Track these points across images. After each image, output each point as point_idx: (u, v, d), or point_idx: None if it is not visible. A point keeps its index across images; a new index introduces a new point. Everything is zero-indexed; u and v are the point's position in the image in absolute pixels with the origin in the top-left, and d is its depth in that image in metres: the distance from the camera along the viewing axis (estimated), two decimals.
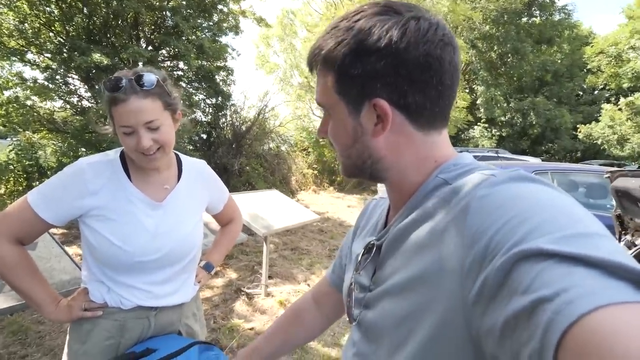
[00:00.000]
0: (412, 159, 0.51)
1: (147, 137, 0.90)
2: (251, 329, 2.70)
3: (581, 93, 20.68)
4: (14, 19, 5.15)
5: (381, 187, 8.80)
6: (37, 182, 5.52)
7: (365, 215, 0.73)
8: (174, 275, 1.06)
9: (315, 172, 10.70)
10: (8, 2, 4.91)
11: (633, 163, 15.78)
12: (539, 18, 18.90)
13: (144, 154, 0.92)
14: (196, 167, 1.16)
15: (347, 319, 0.62)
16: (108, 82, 0.88)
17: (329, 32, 0.50)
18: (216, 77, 7.13)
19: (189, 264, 1.10)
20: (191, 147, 7.23)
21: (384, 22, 0.45)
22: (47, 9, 5.52)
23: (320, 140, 10.78)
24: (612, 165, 12.20)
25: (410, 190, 0.52)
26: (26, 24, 5.35)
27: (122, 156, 1.01)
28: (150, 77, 0.90)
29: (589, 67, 19.32)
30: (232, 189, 6.76)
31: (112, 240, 0.94)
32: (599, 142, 17.53)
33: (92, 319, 0.98)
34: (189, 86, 7.18)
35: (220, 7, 6.94)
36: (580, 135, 18.09)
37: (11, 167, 5.53)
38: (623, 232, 3.05)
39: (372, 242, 0.57)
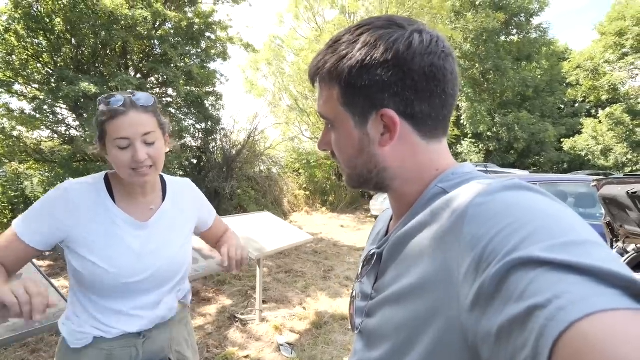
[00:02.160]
0: (416, 167, 0.52)
1: (143, 150, 0.92)
2: (246, 356, 2.61)
3: (562, 106, 21.35)
4: (2, 52, 5.17)
5: (373, 206, 8.78)
6: None
7: (375, 227, 0.74)
8: (163, 297, 1.04)
9: (307, 193, 10.68)
10: None
11: (619, 172, 16.14)
12: (516, 36, 19.70)
13: (136, 169, 0.92)
14: (180, 186, 1.16)
15: (350, 328, 0.62)
16: (107, 98, 0.92)
17: (331, 46, 0.52)
18: (205, 102, 7.19)
19: (178, 284, 1.08)
20: (181, 173, 7.18)
21: (390, 35, 0.48)
22: (35, 40, 5.56)
23: (312, 161, 10.84)
24: (598, 174, 12.47)
25: (411, 199, 0.53)
26: (14, 56, 5.36)
27: (107, 179, 1.01)
28: (148, 95, 0.97)
29: (568, 81, 20.07)
30: (224, 212, 6.68)
31: (95, 262, 0.92)
32: (584, 153, 17.99)
33: (79, 349, 0.94)
34: (178, 112, 7.21)
35: (208, 34, 7.09)
36: (565, 148, 18.56)
37: None
38: (614, 239, 3.07)
39: (373, 250, 0.57)
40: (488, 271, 0.33)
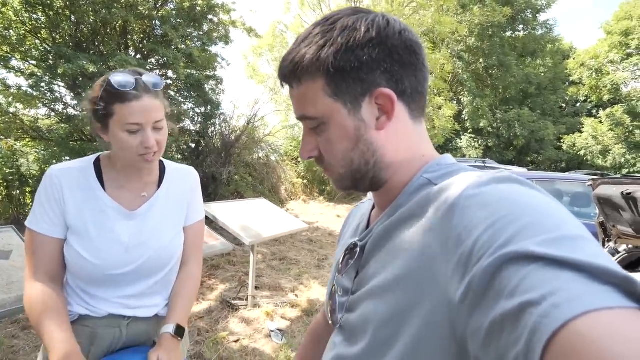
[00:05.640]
0: (408, 152, 0.52)
1: (152, 137, 0.90)
2: (236, 341, 2.64)
3: (564, 105, 21.27)
4: None
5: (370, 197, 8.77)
6: (18, 191, 5.37)
7: (347, 222, 0.72)
8: (151, 289, 1.01)
9: (305, 181, 10.67)
10: None
11: (616, 173, 16.20)
12: (522, 32, 19.50)
13: (142, 155, 0.90)
14: (181, 173, 1.11)
15: (330, 322, 0.60)
16: (116, 77, 0.86)
17: (303, 41, 0.50)
18: (205, 86, 7.09)
19: (167, 275, 1.05)
20: (180, 156, 7.14)
21: (365, 17, 0.48)
22: (34, 16, 5.45)
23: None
24: (595, 175, 12.51)
25: (396, 190, 0.52)
26: (11, 31, 5.26)
27: (97, 163, 0.98)
28: (158, 78, 0.93)
29: (571, 79, 19.94)
30: (220, 197, 6.68)
31: (81, 252, 0.91)
32: (582, 152, 17.99)
33: None
34: (177, 95, 7.13)
35: (210, 17, 6.96)
36: (564, 146, 18.54)
37: None
38: (606, 239, 3.10)
39: (355, 242, 0.55)
40: (479, 265, 0.33)
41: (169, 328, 0.96)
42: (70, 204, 0.92)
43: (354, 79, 0.48)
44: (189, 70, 6.52)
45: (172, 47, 6.14)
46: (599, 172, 15.03)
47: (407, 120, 0.51)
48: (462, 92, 18.35)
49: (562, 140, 18.81)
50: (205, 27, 6.99)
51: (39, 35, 5.65)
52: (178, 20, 6.38)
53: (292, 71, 0.50)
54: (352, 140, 0.50)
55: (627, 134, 17.02)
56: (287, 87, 0.54)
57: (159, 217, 1.02)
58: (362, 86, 0.48)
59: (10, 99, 5.34)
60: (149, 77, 0.90)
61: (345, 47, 0.46)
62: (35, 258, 0.90)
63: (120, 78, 0.86)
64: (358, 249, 0.54)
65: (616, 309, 0.26)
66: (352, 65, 0.47)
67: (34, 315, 0.86)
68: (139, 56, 6.50)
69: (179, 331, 0.97)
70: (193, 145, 7.70)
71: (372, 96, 0.48)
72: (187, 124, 7.47)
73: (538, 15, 19.25)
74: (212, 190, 6.94)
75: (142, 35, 6.74)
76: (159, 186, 1.04)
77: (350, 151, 0.51)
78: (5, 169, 5.32)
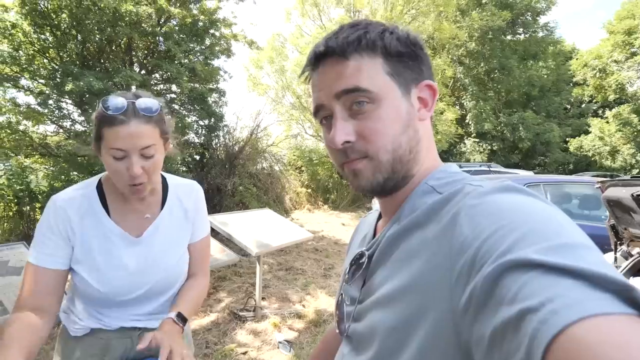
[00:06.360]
0: (430, 151, 0.55)
1: (138, 164, 0.85)
2: (244, 353, 2.61)
3: (569, 107, 21.15)
4: (9, 47, 5.20)
5: (375, 205, 8.74)
6: (28, 207, 5.44)
7: (356, 232, 0.73)
8: (161, 306, 1.03)
9: (309, 190, 10.67)
10: (3, 31, 4.97)
11: (626, 174, 15.98)
12: (522, 35, 19.52)
13: (132, 185, 0.87)
14: (184, 189, 1.08)
15: (338, 332, 0.60)
16: (108, 101, 0.83)
17: (352, 27, 0.51)
18: (208, 99, 7.18)
19: (174, 293, 1.07)
20: (184, 169, 7.21)
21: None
22: (42, 36, 5.59)
23: (314, 158, 10.83)
24: (604, 176, 12.34)
25: (401, 197, 0.53)
26: (20, 51, 5.40)
27: (99, 186, 0.96)
28: (153, 102, 0.88)
29: (575, 79, 19.85)
30: (225, 209, 6.70)
31: (89, 281, 0.90)
32: (590, 154, 17.80)
33: (79, 337, 0.96)
34: (181, 108, 7.22)
35: (212, 31, 7.09)
36: (571, 148, 18.37)
37: (2, 192, 5.46)
38: (618, 242, 3.03)
39: (362, 251, 0.56)
40: (481, 273, 0.33)
41: (171, 314, 0.92)
42: (78, 234, 0.90)
43: (410, 66, 0.52)
44: (192, 84, 6.63)
45: (176, 61, 6.25)
46: (608, 173, 14.84)
47: (429, 120, 0.56)
48: (465, 97, 18.35)
49: (568, 143, 18.65)
50: (208, 42, 7.13)
51: (47, 55, 5.79)
52: (181, 35, 6.51)
53: (353, 42, 0.49)
54: (404, 123, 0.50)
55: (636, 133, 16.85)
56: (305, 76, 0.56)
57: (164, 240, 1.00)
58: (415, 74, 0.52)
59: (19, 117, 5.45)
60: (142, 102, 0.86)
61: (407, 38, 0.52)
62: (27, 290, 0.86)
63: (111, 101, 0.83)
64: (365, 259, 0.54)
65: (614, 315, 0.26)
66: (409, 54, 0.52)
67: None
68: (143, 72, 6.62)
69: (180, 318, 0.93)
70: (197, 158, 7.77)
71: (419, 87, 0.53)
72: (192, 136, 7.56)
73: (538, 18, 19.31)
74: (217, 202, 6.97)
75: (146, 52, 6.88)
76: (162, 204, 1.02)
77: (400, 134, 0.49)
78: (15, 185, 5.40)
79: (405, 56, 0.51)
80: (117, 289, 0.92)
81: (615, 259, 2.86)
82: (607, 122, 17.70)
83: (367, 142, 0.49)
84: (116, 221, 0.94)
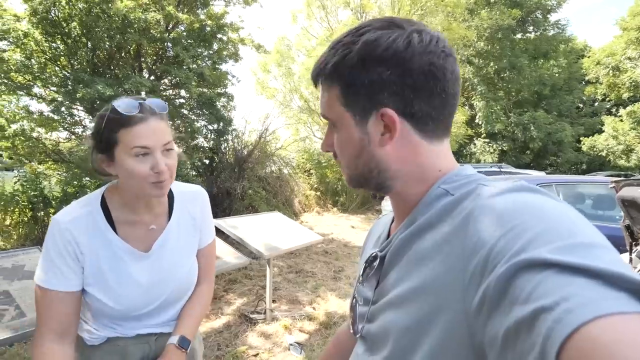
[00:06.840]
0: (418, 168, 0.52)
1: (163, 160, 0.85)
2: (256, 355, 2.62)
3: (581, 105, 20.77)
4: (21, 56, 5.33)
5: (385, 207, 8.69)
6: (42, 212, 5.54)
7: (370, 234, 0.73)
8: (177, 312, 1.05)
9: (318, 193, 10.67)
10: (16, 40, 5.09)
11: None
12: (533, 33, 19.26)
13: (155, 182, 0.85)
14: (190, 196, 1.06)
15: (352, 332, 0.61)
16: (118, 104, 0.82)
17: (333, 47, 0.52)
18: (217, 103, 7.24)
19: (189, 295, 1.09)
20: (194, 173, 7.27)
21: (389, 35, 0.48)
22: (53, 44, 5.72)
23: (323, 161, 10.83)
24: (618, 176, 12.07)
25: (413, 200, 0.52)
26: (33, 60, 5.53)
27: (103, 201, 0.93)
28: (161, 101, 0.89)
29: (587, 78, 19.48)
30: (235, 212, 6.74)
31: (103, 300, 0.90)
32: (604, 153, 17.44)
33: (96, 346, 0.97)
34: (190, 113, 7.30)
35: (219, 36, 7.16)
36: (584, 148, 18.02)
37: (17, 198, 5.58)
38: (634, 242, 2.96)
39: (375, 253, 0.56)
40: (494, 273, 0.33)
41: (174, 339, 0.96)
42: (87, 255, 0.88)
43: (362, 95, 0.50)
44: (200, 89, 6.69)
45: (184, 67, 6.32)
46: (622, 172, 14.51)
47: (417, 141, 0.51)
48: (474, 97, 18.17)
49: (581, 142, 18.31)
50: (215, 46, 7.20)
51: (58, 63, 5.92)
52: (189, 41, 6.59)
53: (317, 74, 0.55)
54: (357, 149, 0.52)
55: None
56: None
57: (173, 252, 0.99)
58: (369, 103, 0.50)
59: (32, 124, 5.57)
60: (152, 100, 0.87)
61: (361, 63, 0.48)
62: (45, 316, 0.85)
63: (121, 103, 0.82)
64: (378, 260, 0.55)
65: (630, 314, 0.25)
66: (363, 81, 0.49)
67: None
68: (152, 77, 6.72)
69: (184, 342, 0.96)
70: (207, 162, 7.83)
71: (378, 113, 0.49)
72: (201, 140, 7.63)
73: (549, 16, 19.02)
74: (226, 205, 7.01)
75: (154, 58, 6.98)
76: (169, 215, 1.00)
77: (354, 157, 0.53)
78: (30, 191, 5.51)
79: (359, 85, 0.49)
80: (132, 305, 0.93)
81: (631, 259, 2.79)
82: (621, 121, 17.32)
83: (338, 155, 0.56)
84: (123, 237, 0.92)
